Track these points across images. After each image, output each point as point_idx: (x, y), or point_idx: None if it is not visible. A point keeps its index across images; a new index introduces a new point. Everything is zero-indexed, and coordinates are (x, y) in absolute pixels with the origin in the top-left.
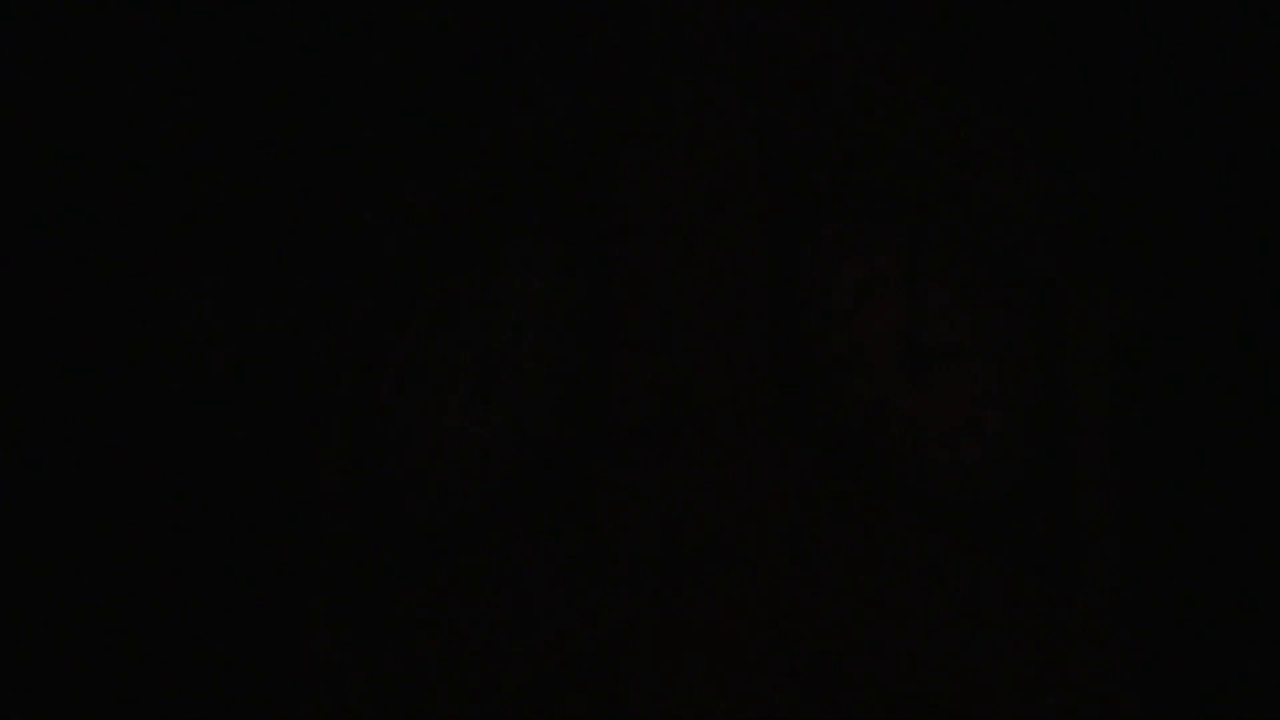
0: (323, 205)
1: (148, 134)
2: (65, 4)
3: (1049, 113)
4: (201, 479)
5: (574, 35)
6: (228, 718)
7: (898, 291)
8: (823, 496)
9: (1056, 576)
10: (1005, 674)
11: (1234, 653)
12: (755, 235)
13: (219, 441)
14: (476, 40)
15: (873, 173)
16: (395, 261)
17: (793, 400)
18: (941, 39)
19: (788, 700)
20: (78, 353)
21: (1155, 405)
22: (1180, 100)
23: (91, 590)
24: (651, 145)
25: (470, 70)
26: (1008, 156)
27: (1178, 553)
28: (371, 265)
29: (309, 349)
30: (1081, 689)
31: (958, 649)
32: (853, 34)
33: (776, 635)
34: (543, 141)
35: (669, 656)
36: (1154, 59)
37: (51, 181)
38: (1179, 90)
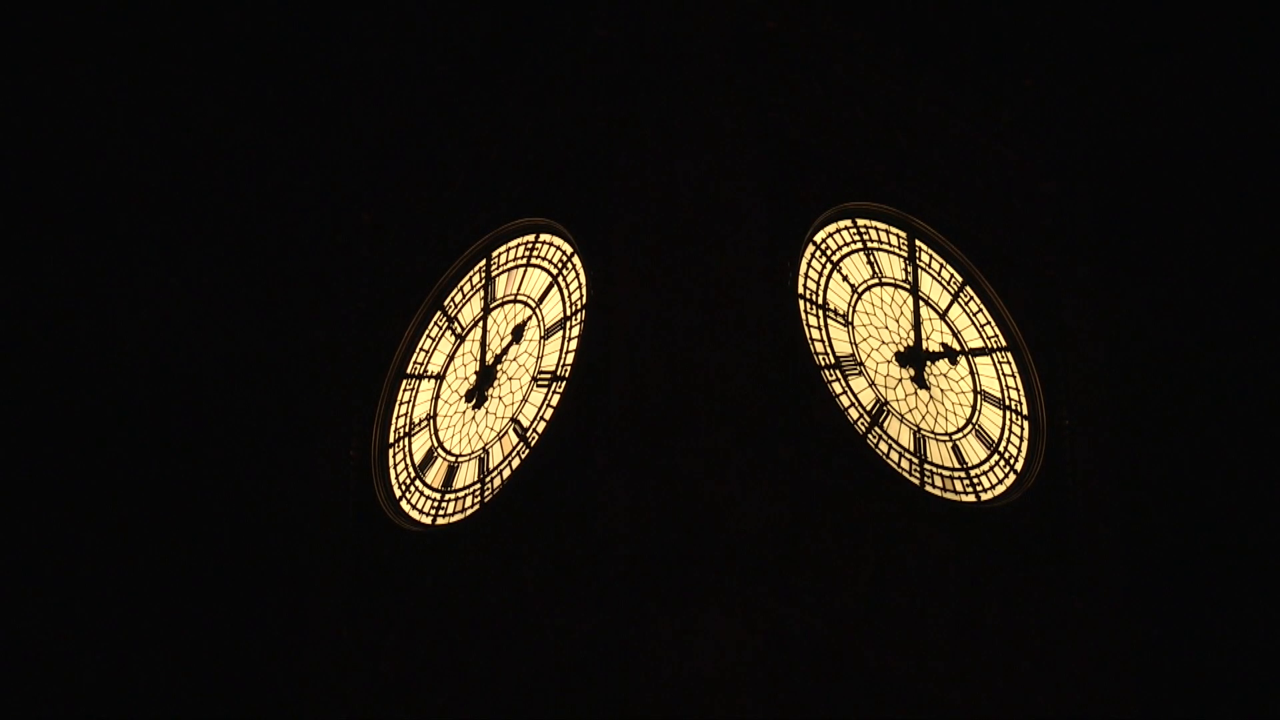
0: (322, 205)
1: (141, 135)
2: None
3: (1049, 113)
4: (200, 480)
5: (575, 34)
6: (228, 718)
7: (898, 291)
8: (823, 496)
9: (1056, 576)
10: (1005, 674)
11: (1234, 653)
12: (755, 235)
13: (217, 440)
14: (477, 41)
15: (872, 173)
16: (393, 262)
17: (793, 400)
18: (941, 39)
19: (788, 699)
20: (79, 356)
21: (1155, 405)
22: (1180, 101)
23: (89, 592)
24: (651, 144)
25: (470, 70)
26: (1008, 156)
27: (1178, 553)
28: (370, 266)
29: (307, 351)
30: (1081, 689)
31: (958, 649)
32: (852, 33)
33: (776, 635)
34: (543, 141)
35: (669, 656)
36: (1153, 62)
37: (46, 183)
38: (1178, 92)
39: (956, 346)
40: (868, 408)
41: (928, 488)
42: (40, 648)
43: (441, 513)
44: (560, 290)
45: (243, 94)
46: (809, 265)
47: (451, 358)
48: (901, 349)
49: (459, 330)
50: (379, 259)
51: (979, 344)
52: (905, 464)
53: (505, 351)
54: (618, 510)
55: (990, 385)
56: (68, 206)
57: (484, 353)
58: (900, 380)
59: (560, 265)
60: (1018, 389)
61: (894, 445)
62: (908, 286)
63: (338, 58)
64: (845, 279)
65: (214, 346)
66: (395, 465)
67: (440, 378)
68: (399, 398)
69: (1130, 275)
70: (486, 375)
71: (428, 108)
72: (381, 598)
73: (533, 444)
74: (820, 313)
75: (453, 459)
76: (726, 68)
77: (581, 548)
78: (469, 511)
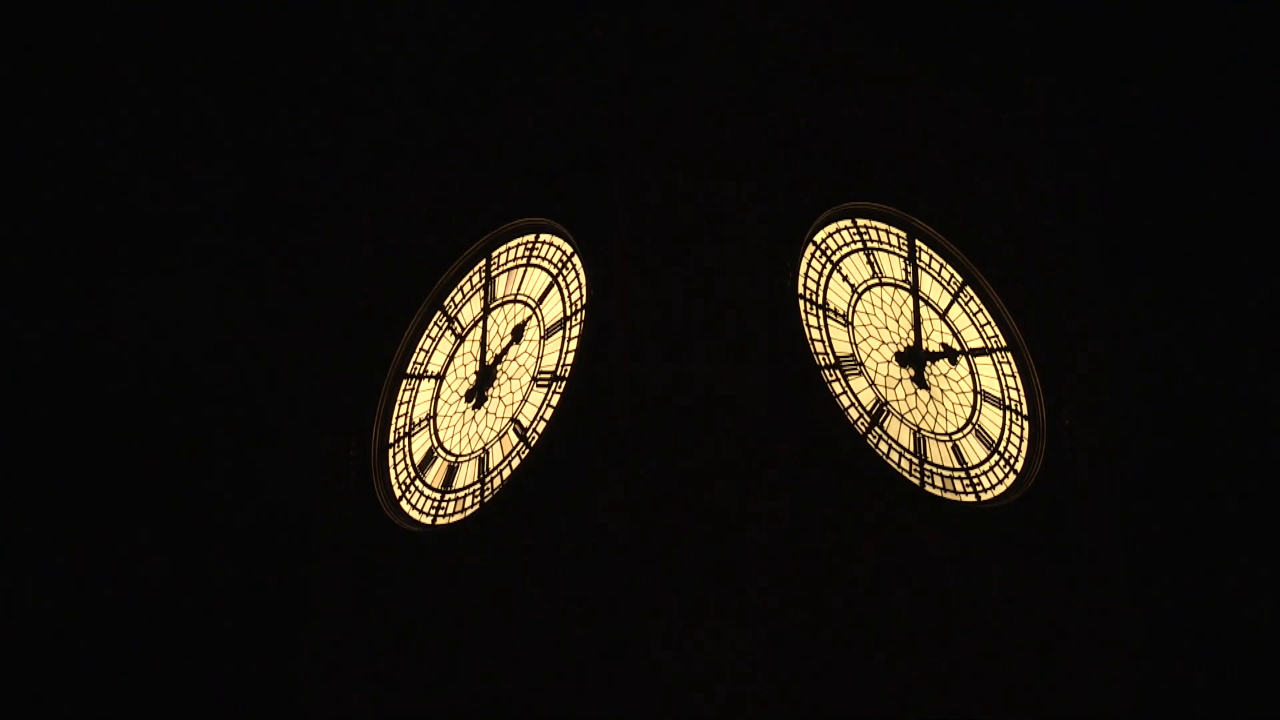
0: (322, 205)
1: (141, 135)
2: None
3: (1049, 112)
4: (200, 479)
5: (575, 34)
6: (229, 718)
7: (898, 291)
8: (823, 496)
9: (1056, 576)
10: (1005, 674)
11: (1234, 652)
12: (755, 235)
13: (217, 440)
14: (477, 40)
15: (872, 173)
16: (393, 262)
17: (793, 400)
18: (941, 39)
19: (788, 699)
20: (79, 357)
21: (1155, 405)
22: (1180, 101)
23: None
24: (652, 144)
25: (470, 70)
26: (1008, 156)
27: (1178, 552)
28: (370, 266)
29: (307, 351)
30: (1082, 689)
31: (958, 649)
32: (852, 33)
33: (776, 635)
34: (543, 141)
35: (669, 656)
36: (1154, 61)
37: (47, 184)
38: (1178, 91)
39: (956, 346)
40: (868, 408)
41: (928, 488)
42: (40, 648)
43: (441, 513)
44: (560, 290)
45: (243, 94)
46: (809, 265)
47: (451, 358)
48: (901, 349)
49: (459, 330)
50: (379, 259)
51: (979, 344)
52: (905, 464)
53: (505, 351)
54: (618, 510)
55: (990, 385)
56: (69, 208)
57: (484, 353)
58: (900, 380)
59: (560, 265)
60: (1018, 389)
61: (894, 445)
62: (908, 286)
63: (337, 58)
64: (845, 279)
65: (214, 346)
66: (395, 465)
67: (440, 378)
68: (399, 398)
69: (1130, 275)
70: (486, 375)
71: (428, 108)
72: (381, 598)
73: (533, 444)
74: (820, 313)
75: (453, 459)
76: (726, 68)
77: (581, 548)
78: (469, 511)
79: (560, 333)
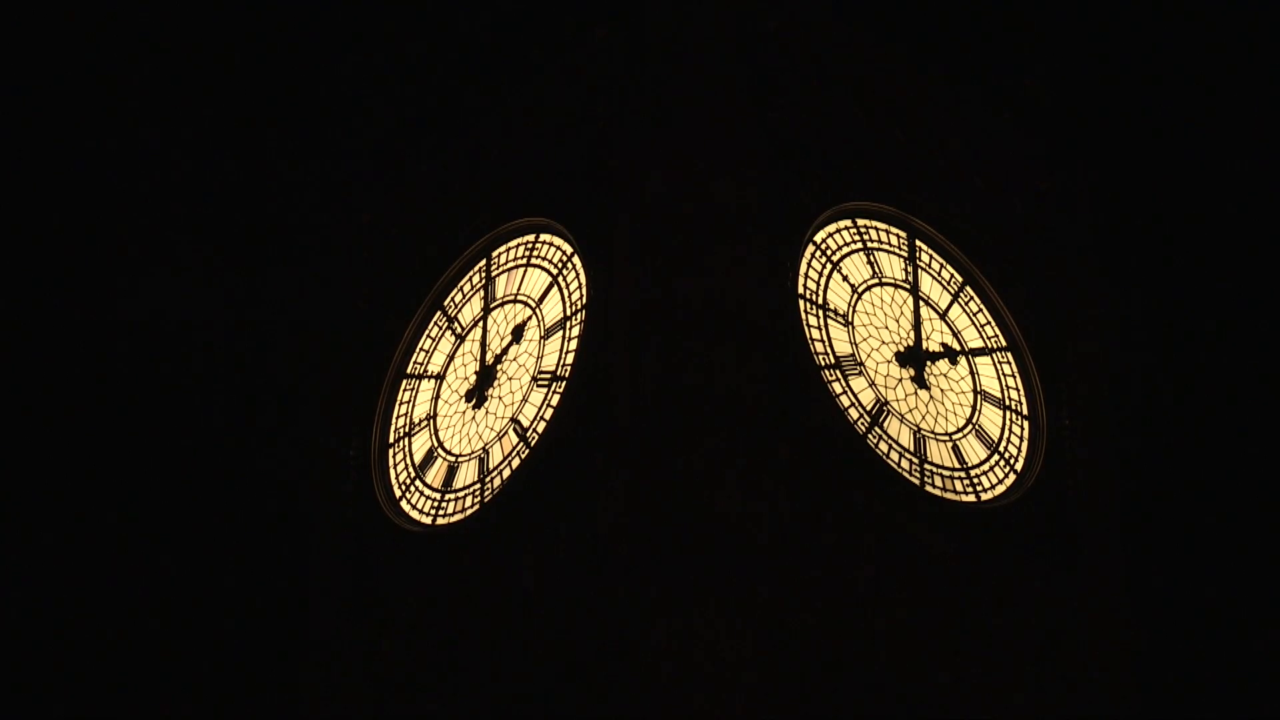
0: (322, 205)
1: (141, 135)
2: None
3: (1049, 113)
4: (199, 480)
5: (575, 34)
6: (229, 718)
7: (898, 291)
8: (823, 496)
9: (1056, 576)
10: (1005, 674)
11: (1234, 653)
12: (755, 235)
13: (217, 440)
14: (477, 41)
15: (872, 173)
16: (393, 262)
17: (793, 400)
18: (941, 38)
19: (787, 699)
20: (78, 356)
21: (1155, 405)
22: (1179, 101)
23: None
24: (652, 144)
25: (471, 70)
26: (1008, 156)
27: (1177, 552)
28: (370, 266)
29: (307, 350)
30: (1082, 689)
31: (958, 649)
32: (852, 33)
33: (776, 634)
34: (543, 141)
35: (669, 656)
36: (1153, 61)
37: (48, 183)
38: (1178, 91)
39: (956, 346)
40: (868, 408)
41: (928, 488)
42: (39, 648)
43: (441, 513)
44: (560, 290)
45: (243, 93)
46: (809, 265)
47: (451, 358)
48: (901, 349)
49: (459, 330)
50: (379, 259)
51: (979, 344)
52: (905, 464)
53: (505, 351)
54: (618, 510)
55: (990, 385)
56: (69, 207)
57: (484, 353)
58: (900, 380)
59: (560, 265)
60: (1018, 389)
61: (894, 445)
62: (908, 286)
63: (338, 57)
64: (845, 279)
65: (214, 346)
66: (395, 465)
67: (440, 378)
68: (399, 398)
69: (1130, 275)
70: (486, 375)
71: (428, 108)
72: (381, 598)
73: (533, 444)
74: (820, 313)
75: (453, 459)
76: (726, 68)
77: (581, 548)
78: (469, 511)
79: (560, 333)
